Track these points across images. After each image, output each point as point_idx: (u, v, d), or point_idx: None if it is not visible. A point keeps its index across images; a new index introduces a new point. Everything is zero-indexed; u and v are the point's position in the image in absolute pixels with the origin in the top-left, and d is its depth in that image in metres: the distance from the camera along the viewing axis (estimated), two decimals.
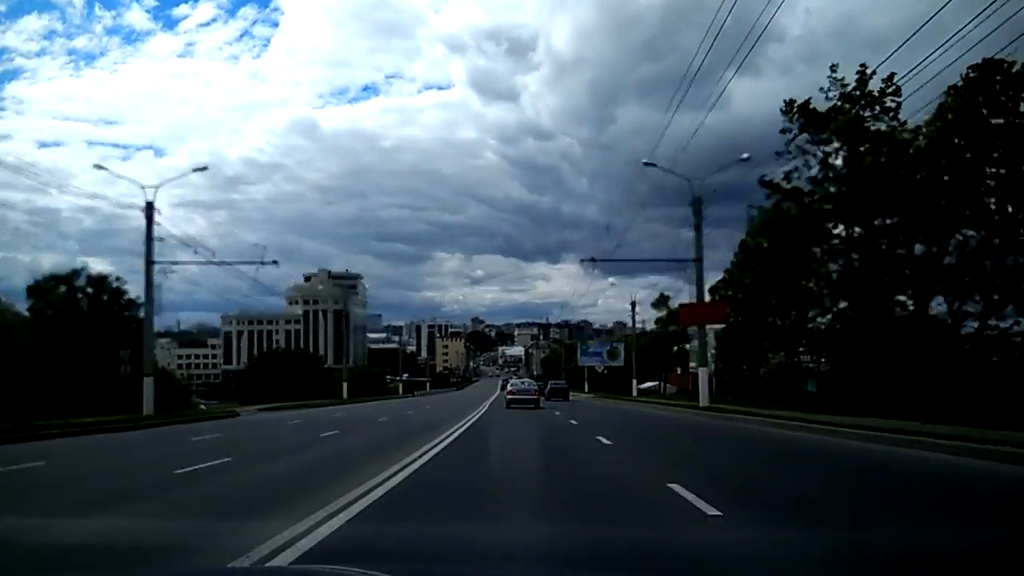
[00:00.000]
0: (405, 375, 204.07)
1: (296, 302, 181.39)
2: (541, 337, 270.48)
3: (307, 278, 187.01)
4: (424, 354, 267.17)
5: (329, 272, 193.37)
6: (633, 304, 46.99)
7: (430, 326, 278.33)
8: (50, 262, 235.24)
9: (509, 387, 38.47)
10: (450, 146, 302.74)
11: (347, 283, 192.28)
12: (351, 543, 5.34)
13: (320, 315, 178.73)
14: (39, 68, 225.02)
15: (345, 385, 49.86)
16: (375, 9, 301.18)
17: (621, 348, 65.43)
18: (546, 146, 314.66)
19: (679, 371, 63.77)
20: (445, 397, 66.36)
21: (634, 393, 47.73)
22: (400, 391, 72.20)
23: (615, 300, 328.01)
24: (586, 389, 70.95)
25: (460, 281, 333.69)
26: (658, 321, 48.83)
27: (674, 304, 48.95)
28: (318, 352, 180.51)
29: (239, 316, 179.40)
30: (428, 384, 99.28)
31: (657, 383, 64.01)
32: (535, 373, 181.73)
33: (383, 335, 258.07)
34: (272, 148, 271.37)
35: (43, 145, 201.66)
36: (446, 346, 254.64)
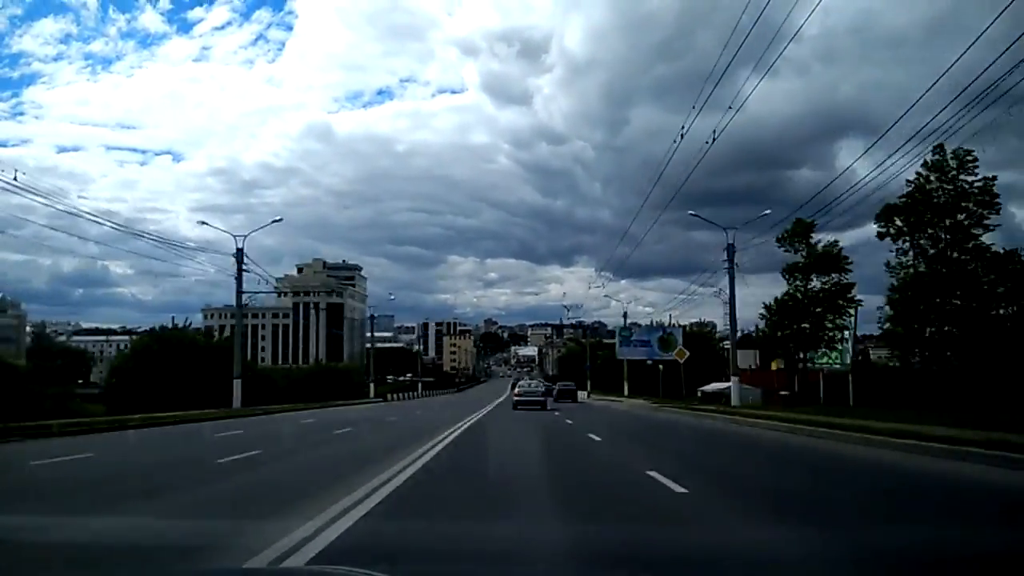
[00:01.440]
0: (408, 375, 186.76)
1: (284, 294, 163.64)
2: (555, 337, 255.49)
3: (300, 269, 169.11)
4: (432, 353, 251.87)
5: (324, 262, 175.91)
6: (730, 249, 28.01)
7: (438, 324, 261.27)
8: (70, 266, 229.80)
9: (516, 389, 39.19)
10: (464, 150, 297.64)
11: (344, 274, 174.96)
12: None
13: (312, 309, 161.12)
14: (56, 72, 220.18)
15: (237, 385, 31.90)
16: (389, 12, 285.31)
17: (679, 335, 47.35)
18: (559, 150, 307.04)
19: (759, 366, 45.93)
20: (434, 403, 48.84)
21: (734, 401, 28.80)
22: (372, 394, 54.20)
23: (625, 304, 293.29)
24: (626, 392, 52.69)
25: (474, 284, 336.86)
26: (789, 272, 29.30)
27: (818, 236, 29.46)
28: (308, 348, 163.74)
29: (222, 309, 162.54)
30: (420, 385, 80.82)
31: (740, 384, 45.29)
32: (549, 373, 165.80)
33: (389, 334, 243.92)
34: (288, 153, 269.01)
35: (62, 150, 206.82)
36: (454, 345, 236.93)
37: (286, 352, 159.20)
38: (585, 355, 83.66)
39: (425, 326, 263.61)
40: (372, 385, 54.79)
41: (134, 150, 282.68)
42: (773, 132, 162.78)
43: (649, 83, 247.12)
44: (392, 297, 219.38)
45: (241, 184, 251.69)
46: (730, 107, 18.16)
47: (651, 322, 52.98)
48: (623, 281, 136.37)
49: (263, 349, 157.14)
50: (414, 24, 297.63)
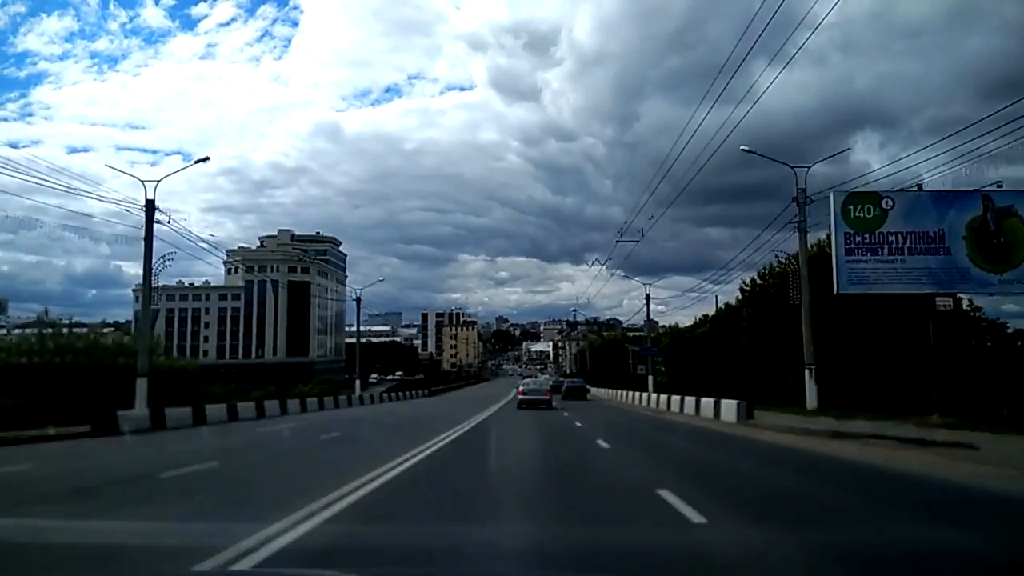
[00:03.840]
0: (399, 373, 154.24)
1: (235, 269, 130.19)
2: (569, 333, 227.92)
3: (262, 242, 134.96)
4: (431, 347, 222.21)
5: (292, 234, 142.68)
6: None
7: (439, 315, 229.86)
8: (83, 266, 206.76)
9: (520, 387, 38.60)
10: (473, 148, 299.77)
11: (317, 248, 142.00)
12: None
13: (269, 288, 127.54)
14: (63, 72, 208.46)
15: None
16: (396, 6, 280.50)
17: None
18: (569, 147, 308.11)
19: None
20: (287, 437, 16.16)
21: None
22: (139, 404, 21.13)
23: (639, 301, 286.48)
24: (814, 401, 19.40)
25: (485, 283, 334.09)
26: None
27: None
28: (264, 338, 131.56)
29: (159, 290, 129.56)
30: (358, 384, 45.57)
31: None
32: (567, 371, 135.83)
33: (388, 328, 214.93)
34: (297, 152, 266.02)
35: (72, 151, 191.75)
36: (455, 336, 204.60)
37: (236, 343, 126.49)
38: (621, 346, 52.60)
39: (424, 317, 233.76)
40: (140, 385, 21.06)
41: (144, 150, 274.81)
42: (787, 125, 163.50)
43: (660, 76, 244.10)
44: (381, 279, 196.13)
45: (252, 184, 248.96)
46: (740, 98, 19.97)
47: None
48: (635, 279, 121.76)
49: (206, 339, 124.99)
50: (421, 19, 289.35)
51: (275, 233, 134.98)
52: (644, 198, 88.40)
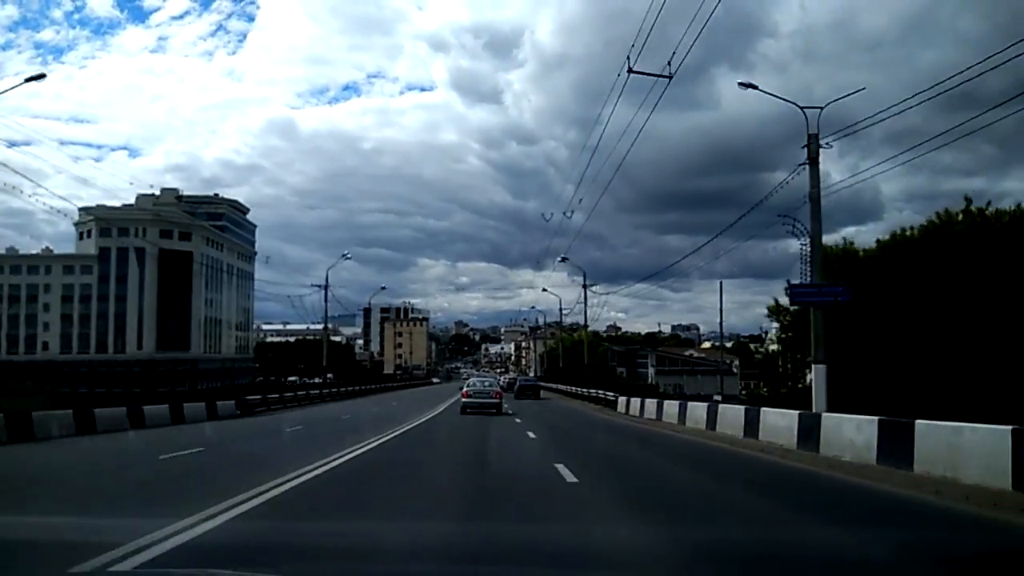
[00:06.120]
0: (329, 375, 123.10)
1: (87, 233, 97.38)
2: (534, 333, 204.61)
3: (137, 201, 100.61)
4: (376, 347, 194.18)
5: (179, 194, 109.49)
6: None
7: (384, 311, 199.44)
8: None
9: (466, 388, 33.74)
10: (433, 149, 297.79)
11: (207, 209, 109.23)
12: None
13: (133, 259, 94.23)
14: (5, 63, 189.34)
15: None
16: (355, 3, 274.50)
17: None
18: (531, 151, 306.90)
19: None
20: None
21: None
22: None
23: (598, 308, 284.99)
24: None
25: (445, 288, 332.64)
26: None
27: None
28: (125, 327, 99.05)
29: None
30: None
31: None
32: (531, 374, 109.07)
33: (319, 327, 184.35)
34: (249, 149, 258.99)
35: (12, 144, 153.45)
36: (400, 334, 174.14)
37: (87, 332, 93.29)
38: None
39: (367, 313, 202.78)
40: None
41: (89, 145, 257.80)
42: (750, 132, 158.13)
43: (623, 80, 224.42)
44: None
45: (201, 182, 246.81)
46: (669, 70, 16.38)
47: None
48: (596, 286, 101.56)
49: (46, 327, 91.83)
50: (382, 17, 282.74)
51: (157, 192, 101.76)
52: (609, 207, 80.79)
